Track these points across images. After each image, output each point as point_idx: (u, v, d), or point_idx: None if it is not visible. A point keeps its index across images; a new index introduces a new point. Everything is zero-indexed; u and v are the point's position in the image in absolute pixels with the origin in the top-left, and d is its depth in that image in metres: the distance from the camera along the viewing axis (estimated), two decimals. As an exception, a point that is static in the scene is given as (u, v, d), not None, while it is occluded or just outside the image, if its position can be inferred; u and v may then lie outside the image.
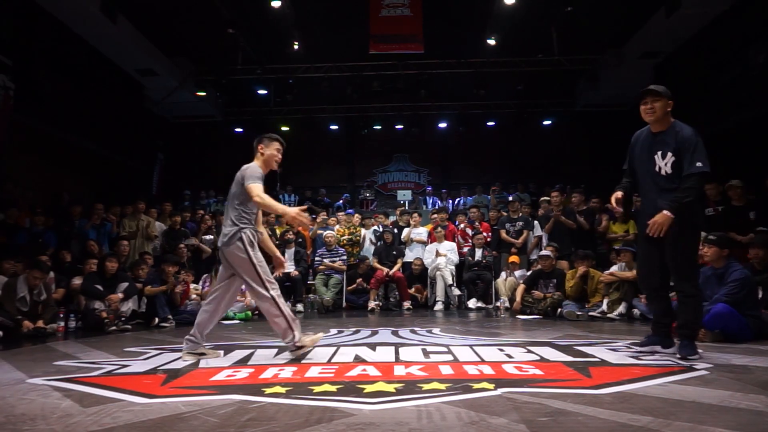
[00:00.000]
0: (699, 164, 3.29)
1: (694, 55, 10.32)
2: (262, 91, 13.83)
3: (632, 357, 3.37)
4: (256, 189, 3.39)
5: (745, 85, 9.18)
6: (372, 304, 7.89)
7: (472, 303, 7.96)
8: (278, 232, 9.11)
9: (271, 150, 3.69)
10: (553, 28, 11.56)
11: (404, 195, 13.44)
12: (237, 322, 6.67)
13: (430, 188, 15.01)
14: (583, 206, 8.13)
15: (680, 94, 3.67)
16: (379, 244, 8.91)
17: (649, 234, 3.38)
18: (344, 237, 9.00)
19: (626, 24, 10.76)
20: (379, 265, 8.40)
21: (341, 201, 13.39)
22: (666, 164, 3.41)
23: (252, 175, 3.46)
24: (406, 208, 11.39)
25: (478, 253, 8.40)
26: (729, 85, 9.67)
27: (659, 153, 3.44)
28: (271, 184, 13.48)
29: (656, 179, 3.47)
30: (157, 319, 6.13)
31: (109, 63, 10.89)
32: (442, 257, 8.23)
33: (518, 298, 6.97)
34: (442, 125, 15.26)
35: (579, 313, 6.30)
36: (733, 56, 9.54)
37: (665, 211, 3.32)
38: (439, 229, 8.63)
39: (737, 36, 9.29)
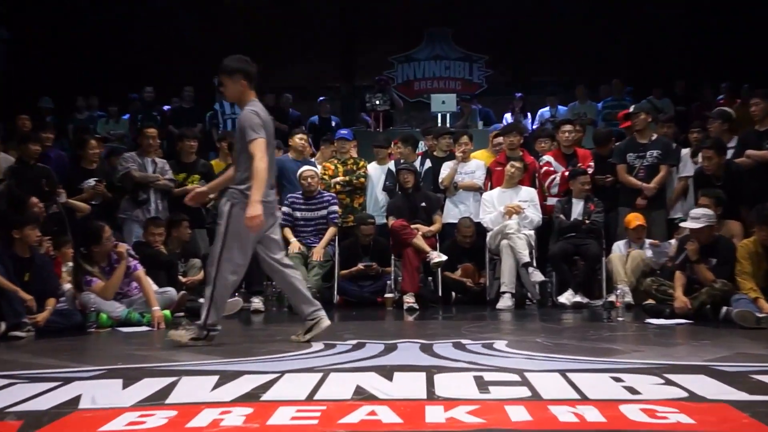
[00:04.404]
0: None
1: None
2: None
3: None
4: None
5: None
6: (410, 301, 5.18)
7: (567, 297, 5.32)
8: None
9: None
10: None
11: (444, 103, 8.57)
12: (147, 329, 4.32)
13: (475, 105, 9.48)
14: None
15: None
16: (396, 193, 5.88)
17: None
18: (336, 179, 5.84)
19: None
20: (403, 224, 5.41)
21: (316, 117, 8.88)
22: None
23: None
24: (447, 125, 7.79)
25: (578, 206, 5.50)
26: None
27: None
28: (211, 91, 8.69)
29: None
30: (3, 326, 3.91)
31: None
32: (514, 217, 5.48)
33: (678, 292, 4.47)
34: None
35: (760, 315, 4.18)
36: None
37: None
38: (513, 167, 5.57)
39: None
